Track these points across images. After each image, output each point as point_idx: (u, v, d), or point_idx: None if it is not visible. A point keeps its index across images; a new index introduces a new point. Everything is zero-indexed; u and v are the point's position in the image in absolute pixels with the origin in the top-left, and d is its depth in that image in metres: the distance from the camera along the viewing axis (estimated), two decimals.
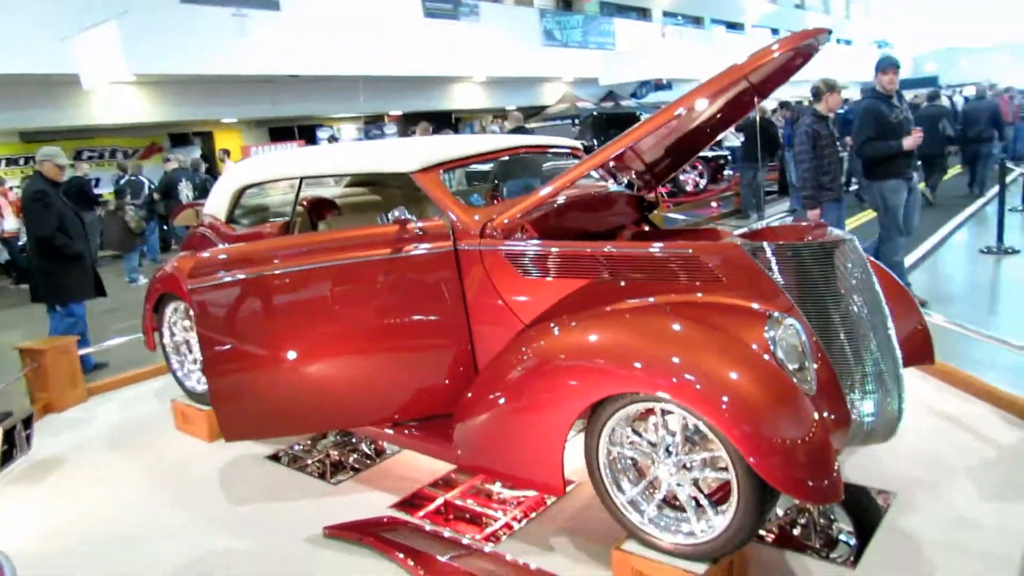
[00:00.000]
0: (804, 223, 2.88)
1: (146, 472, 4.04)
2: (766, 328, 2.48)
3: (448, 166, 3.38)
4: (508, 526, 3.17)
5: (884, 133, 6.33)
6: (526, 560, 2.92)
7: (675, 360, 2.43)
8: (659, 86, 27.09)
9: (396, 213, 3.06)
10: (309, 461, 3.96)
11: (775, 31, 38.80)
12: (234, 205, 4.14)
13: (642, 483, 2.66)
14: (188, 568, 3.11)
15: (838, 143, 6.50)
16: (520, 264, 3.08)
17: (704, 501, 2.54)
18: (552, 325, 2.82)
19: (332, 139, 18.39)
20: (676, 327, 2.57)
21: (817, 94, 6.37)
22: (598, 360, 2.58)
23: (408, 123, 22.42)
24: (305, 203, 4.63)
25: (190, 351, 4.60)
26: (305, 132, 20.30)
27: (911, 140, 6.25)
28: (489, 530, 3.15)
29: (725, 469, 2.46)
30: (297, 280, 3.15)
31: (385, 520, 3.29)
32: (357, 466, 3.86)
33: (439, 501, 3.41)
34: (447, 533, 3.16)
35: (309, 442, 4.20)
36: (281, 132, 20.18)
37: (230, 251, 3.28)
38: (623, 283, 2.88)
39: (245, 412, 3.28)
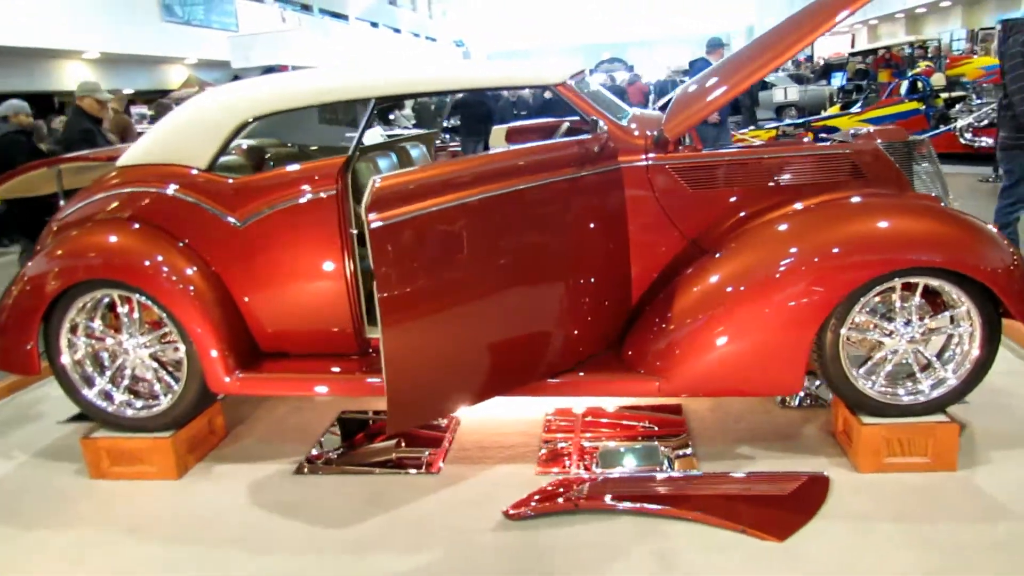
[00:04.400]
0: (880, 127, 3.29)
1: (132, 533, 2.79)
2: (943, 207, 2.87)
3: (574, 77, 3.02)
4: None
5: None
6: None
7: (928, 232, 2.68)
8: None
9: (603, 125, 2.67)
10: (365, 459, 3.20)
11: (374, 24, 40.17)
12: (226, 145, 3.02)
13: (875, 358, 2.84)
14: None
15: None
16: (689, 176, 2.96)
17: (936, 361, 2.83)
18: (767, 230, 2.81)
19: None
20: (895, 211, 2.80)
21: None
22: (855, 251, 2.67)
23: None
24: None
25: (103, 368, 3.26)
26: None
27: None
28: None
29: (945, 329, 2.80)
30: (494, 209, 2.52)
31: (572, 480, 2.87)
32: (434, 449, 3.24)
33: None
34: (659, 474, 2.92)
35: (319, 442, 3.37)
36: None
37: (417, 176, 2.45)
38: (783, 185, 2.99)
39: (428, 387, 2.53)
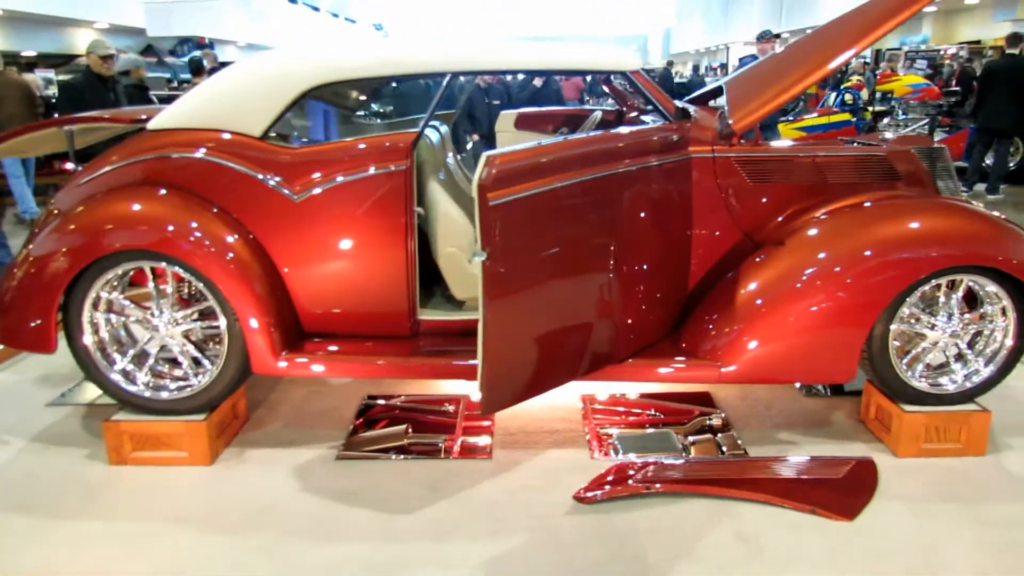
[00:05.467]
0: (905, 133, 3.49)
1: (182, 524, 2.63)
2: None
3: None
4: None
5: None
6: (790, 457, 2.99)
7: (979, 232, 2.87)
8: (200, 45, 24.97)
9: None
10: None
11: (293, 0, 38.75)
12: (285, 113, 2.85)
13: (916, 350, 3.00)
14: None
15: None
16: (750, 170, 3.04)
17: (969, 352, 3.02)
18: (827, 226, 2.93)
19: None
20: (945, 211, 2.97)
21: None
22: (911, 248, 2.81)
23: None
24: None
25: (123, 347, 3.04)
26: None
27: None
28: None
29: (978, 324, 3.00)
30: (593, 191, 2.50)
31: (634, 465, 2.90)
32: (449, 435, 3.21)
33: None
34: (718, 458, 3.00)
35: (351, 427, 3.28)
36: None
37: (527, 154, 2.37)
38: (831, 183, 3.13)
39: (521, 368, 2.49)
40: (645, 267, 2.84)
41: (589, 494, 2.73)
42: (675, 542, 2.50)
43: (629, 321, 2.85)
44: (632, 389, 3.58)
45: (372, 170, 2.83)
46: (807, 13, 27.72)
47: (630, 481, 2.79)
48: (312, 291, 3.00)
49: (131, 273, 3.00)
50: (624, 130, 2.80)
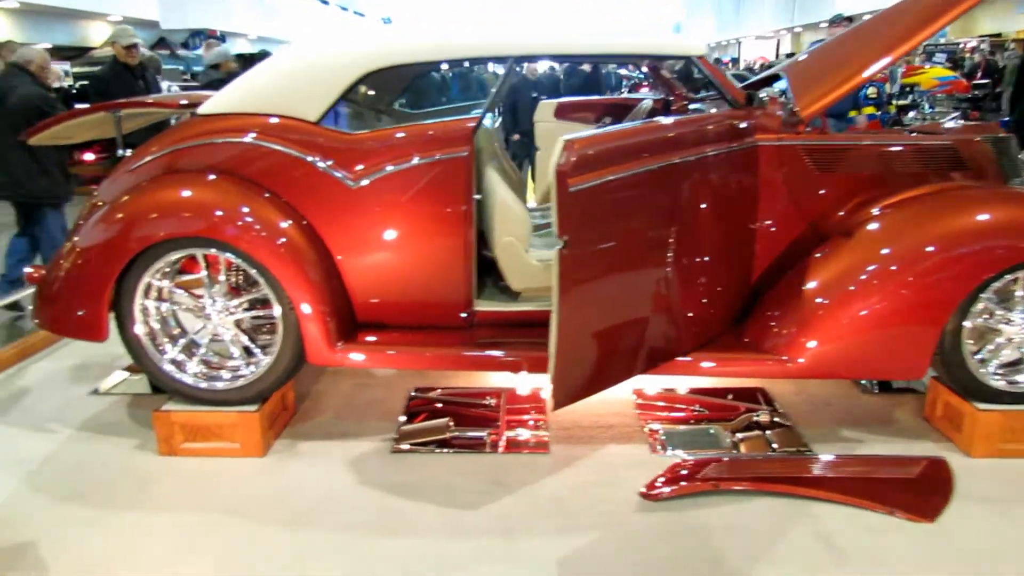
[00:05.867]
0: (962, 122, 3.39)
1: (238, 516, 2.56)
2: None
3: None
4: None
5: None
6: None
7: None
8: (212, 37, 25.04)
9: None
10: (462, 437, 3.06)
11: None
12: (342, 97, 2.76)
13: (996, 342, 2.90)
14: None
15: None
16: (816, 159, 2.94)
17: None
18: (898, 218, 2.83)
19: None
20: (1019, 202, 2.87)
21: None
22: (989, 240, 2.71)
23: None
24: None
25: (173, 336, 2.98)
26: None
27: None
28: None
29: None
30: (667, 178, 2.42)
31: (699, 461, 2.82)
32: (493, 429, 3.13)
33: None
34: (785, 455, 2.91)
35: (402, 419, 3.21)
36: None
37: (607, 139, 2.29)
38: (898, 173, 3.03)
39: (592, 360, 2.42)
40: (712, 257, 2.75)
41: (654, 491, 2.65)
42: (752, 541, 2.41)
43: (696, 314, 2.77)
44: (681, 384, 3.50)
45: (432, 157, 2.75)
46: (820, 7, 27.55)
47: (697, 478, 2.71)
48: (367, 280, 2.92)
49: (181, 261, 2.94)
50: (698, 116, 2.72)
